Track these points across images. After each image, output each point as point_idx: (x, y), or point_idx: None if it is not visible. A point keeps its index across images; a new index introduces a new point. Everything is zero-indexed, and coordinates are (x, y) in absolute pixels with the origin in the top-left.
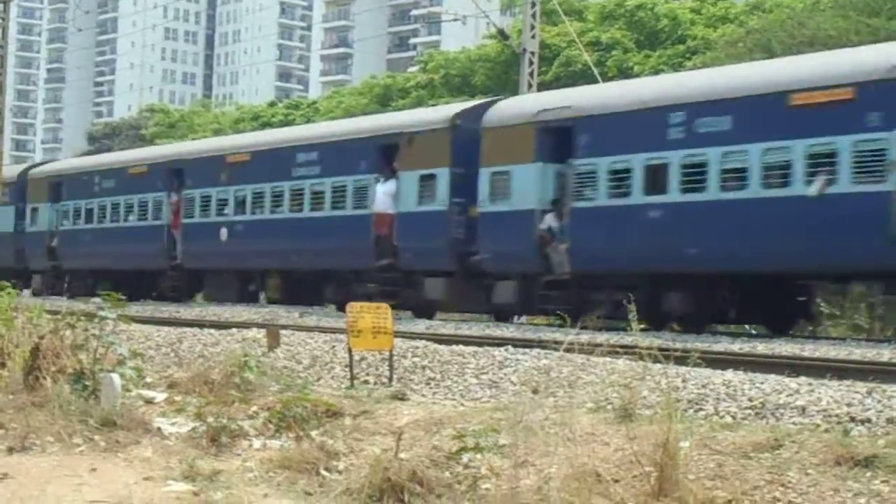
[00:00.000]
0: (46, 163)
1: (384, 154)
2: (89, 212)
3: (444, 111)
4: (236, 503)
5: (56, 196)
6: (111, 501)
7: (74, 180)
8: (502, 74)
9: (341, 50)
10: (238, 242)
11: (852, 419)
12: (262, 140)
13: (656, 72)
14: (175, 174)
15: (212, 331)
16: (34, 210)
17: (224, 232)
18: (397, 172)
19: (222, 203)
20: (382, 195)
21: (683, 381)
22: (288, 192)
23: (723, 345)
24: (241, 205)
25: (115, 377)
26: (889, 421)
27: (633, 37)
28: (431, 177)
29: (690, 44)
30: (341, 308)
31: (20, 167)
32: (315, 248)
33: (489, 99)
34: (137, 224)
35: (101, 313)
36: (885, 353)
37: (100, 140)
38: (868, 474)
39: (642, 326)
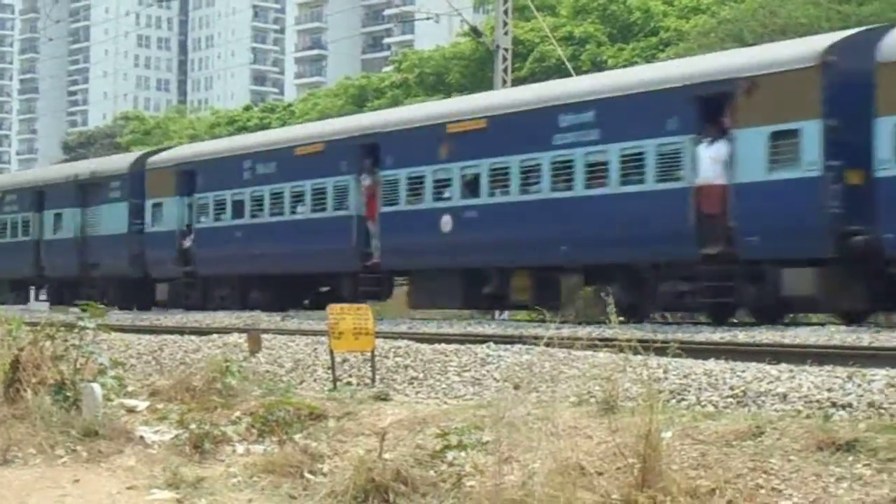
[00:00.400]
0: (167, 148)
1: (705, 107)
2: (238, 204)
3: (808, 45)
4: None
5: (188, 187)
6: None
7: (215, 167)
8: (477, 72)
9: (315, 52)
10: (467, 233)
11: (833, 404)
12: (506, 101)
13: (629, 64)
14: (367, 151)
15: (193, 337)
16: (157, 206)
17: (448, 220)
18: (728, 130)
19: (442, 184)
20: (709, 161)
21: (665, 372)
22: (548, 166)
23: (704, 334)
24: (472, 185)
25: (96, 387)
26: (870, 405)
27: (606, 30)
28: (791, 133)
29: (663, 36)
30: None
31: (132, 156)
32: (595, 236)
33: (878, 25)
34: (311, 217)
35: (81, 323)
36: (865, 338)
37: (75, 149)
38: (850, 459)
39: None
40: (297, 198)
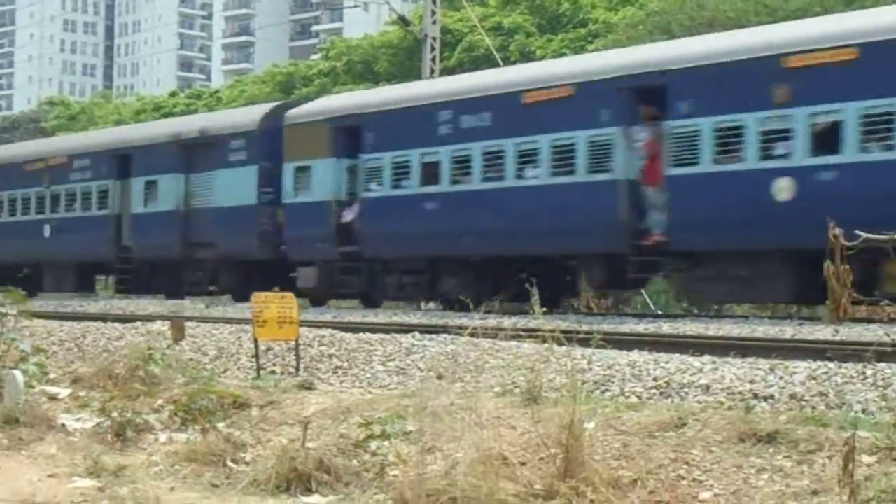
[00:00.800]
0: (311, 99)
1: None
2: (430, 167)
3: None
4: (142, 498)
5: (349, 146)
6: (15, 500)
7: (393, 120)
8: (405, 61)
9: (243, 38)
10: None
11: (755, 396)
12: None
13: (560, 55)
14: (643, 96)
15: (116, 325)
16: (302, 170)
17: (784, 184)
18: None
19: (772, 136)
20: None
21: (589, 363)
22: None
23: (628, 326)
24: (825, 138)
25: (18, 374)
26: (791, 397)
27: (535, 21)
28: None
29: (592, 27)
30: None
31: (261, 108)
32: None
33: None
34: (550, 182)
35: (2, 310)
36: (788, 331)
37: None
38: (771, 450)
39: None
40: (527, 158)
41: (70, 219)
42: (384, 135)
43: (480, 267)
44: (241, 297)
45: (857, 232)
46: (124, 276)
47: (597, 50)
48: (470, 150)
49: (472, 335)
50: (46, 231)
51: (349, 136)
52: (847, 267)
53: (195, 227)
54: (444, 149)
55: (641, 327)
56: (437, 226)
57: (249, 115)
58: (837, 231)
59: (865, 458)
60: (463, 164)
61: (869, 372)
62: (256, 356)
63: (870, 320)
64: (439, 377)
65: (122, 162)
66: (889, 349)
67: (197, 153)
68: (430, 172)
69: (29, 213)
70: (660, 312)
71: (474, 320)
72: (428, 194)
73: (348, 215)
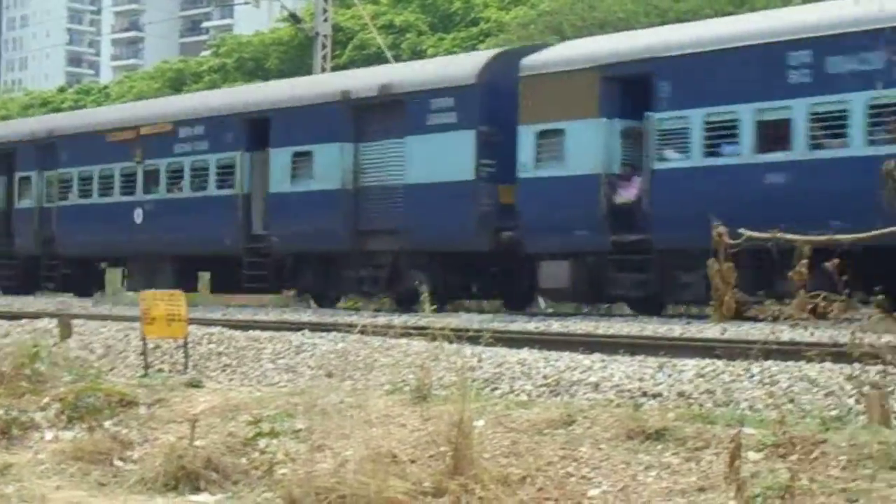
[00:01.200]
0: (543, 46)
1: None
2: (772, 128)
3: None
4: (28, 496)
5: (626, 104)
6: None
7: (708, 65)
8: (296, 58)
9: (132, 34)
10: None
11: (644, 394)
12: None
13: (450, 53)
14: None
15: (2, 321)
16: (548, 135)
17: None
18: None
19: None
20: None
21: (479, 360)
22: None
23: (519, 324)
24: None
25: None
26: (680, 395)
27: (426, 19)
28: None
29: (483, 26)
30: None
31: (478, 57)
32: None
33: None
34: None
35: None
36: (677, 329)
37: None
38: (659, 447)
39: None
40: None
41: (173, 201)
42: (693, 85)
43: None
44: (443, 298)
45: (740, 231)
46: (257, 271)
47: (488, 49)
48: (847, 104)
49: (362, 333)
50: (137, 216)
51: (628, 88)
52: (730, 265)
53: (368, 211)
54: (795, 103)
55: (532, 325)
56: (784, 206)
57: (462, 67)
58: (721, 230)
59: (752, 455)
60: (835, 125)
61: (756, 369)
62: (145, 354)
63: (756, 319)
64: (329, 375)
65: (255, 128)
66: (775, 347)
67: (371, 116)
68: (772, 134)
69: (111, 195)
70: (550, 311)
71: (364, 318)
72: (769, 164)
73: (626, 193)
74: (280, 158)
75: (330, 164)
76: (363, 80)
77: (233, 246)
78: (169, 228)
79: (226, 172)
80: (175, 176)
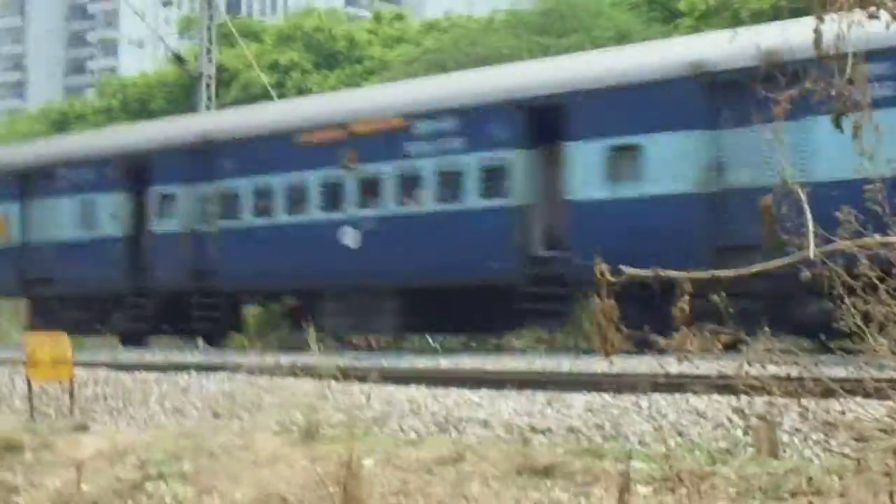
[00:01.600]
0: None
1: None
2: None
3: None
4: None
5: None
6: None
7: None
8: (181, 98)
9: (16, 76)
10: None
11: (533, 429)
12: None
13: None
14: None
15: None
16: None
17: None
18: None
19: None
20: None
21: (367, 399)
22: None
23: (407, 361)
24: None
25: None
26: (569, 429)
27: (311, 58)
28: None
29: (368, 64)
30: None
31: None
32: None
33: None
34: None
35: None
36: (566, 364)
37: None
38: (548, 482)
39: None
40: None
41: (403, 218)
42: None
43: None
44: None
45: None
46: (545, 303)
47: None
48: None
49: (249, 373)
50: (348, 238)
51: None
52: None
53: (735, 221)
54: None
55: (420, 363)
56: None
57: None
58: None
59: (641, 489)
60: None
61: (644, 403)
62: (30, 397)
63: (641, 352)
64: (216, 416)
65: (537, 119)
66: (662, 380)
67: (737, 95)
68: None
69: (305, 212)
70: (438, 348)
71: (249, 358)
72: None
73: None
74: (585, 155)
75: (672, 161)
76: (717, 47)
77: (509, 272)
78: (395, 252)
79: (494, 178)
80: (411, 184)
